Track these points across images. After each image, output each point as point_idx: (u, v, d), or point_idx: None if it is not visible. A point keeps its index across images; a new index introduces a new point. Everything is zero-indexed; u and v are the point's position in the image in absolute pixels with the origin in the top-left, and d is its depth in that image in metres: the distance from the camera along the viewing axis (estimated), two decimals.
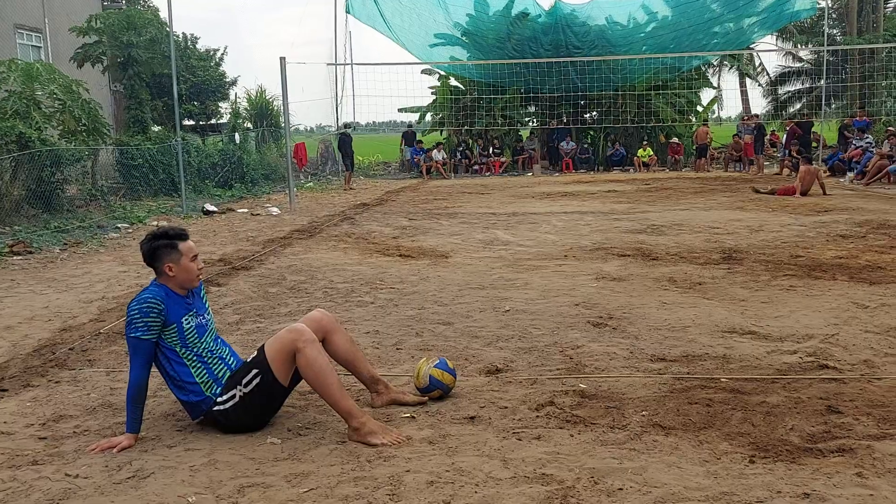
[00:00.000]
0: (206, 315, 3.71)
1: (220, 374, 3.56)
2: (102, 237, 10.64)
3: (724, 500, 2.78)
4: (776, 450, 3.19)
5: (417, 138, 25.93)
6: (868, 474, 2.96)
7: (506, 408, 3.78)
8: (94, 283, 7.37)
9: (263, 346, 3.56)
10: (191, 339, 3.55)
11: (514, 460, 3.16)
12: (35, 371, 4.56)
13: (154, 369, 3.55)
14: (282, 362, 3.47)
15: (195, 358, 3.54)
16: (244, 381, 3.48)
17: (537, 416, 3.66)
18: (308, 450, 3.34)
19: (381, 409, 3.78)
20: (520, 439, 3.39)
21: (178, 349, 3.52)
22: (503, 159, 24.83)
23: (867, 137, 18.93)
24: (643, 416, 3.63)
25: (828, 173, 18.93)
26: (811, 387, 3.96)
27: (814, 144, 23.09)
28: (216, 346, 3.66)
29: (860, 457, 3.11)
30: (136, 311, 3.45)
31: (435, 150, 24.24)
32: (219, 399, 3.50)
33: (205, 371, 3.54)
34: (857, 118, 20.99)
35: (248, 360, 3.59)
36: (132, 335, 3.45)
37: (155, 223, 12.19)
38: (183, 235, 3.64)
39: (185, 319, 3.55)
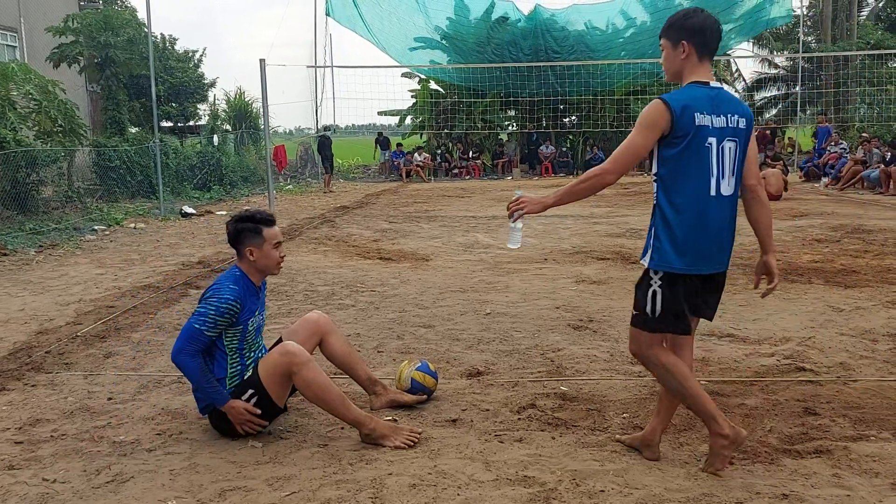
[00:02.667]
0: (264, 313, 3.71)
1: (247, 374, 3.55)
2: (79, 239, 10.52)
3: (705, 502, 2.81)
4: (755, 451, 3.23)
5: (398, 141, 25.99)
6: (845, 475, 3.00)
7: (487, 410, 3.79)
8: (70, 286, 7.28)
9: (257, 364, 3.53)
10: (248, 341, 3.56)
11: (496, 462, 3.17)
12: (11, 374, 4.50)
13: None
14: (277, 384, 3.45)
15: (238, 355, 3.53)
16: (244, 398, 3.46)
17: (519, 419, 3.67)
18: (290, 453, 3.32)
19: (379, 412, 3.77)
20: (501, 442, 3.40)
21: (232, 346, 3.50)
22: (481, 161, 24.90)
23: (842, 143, 19.21)
24: (624, 418, 3.66)
25: (803, 178, 19.21)
26: (788, 389, 4.01)
27: (789, 150, 23.40)
28: (259, 344, 3.67)
29: (837, 457, 3.16)
30: (214, 309, 3.38)
31: (416, 154, 24.28)
32: None
33: (238, 367, 3.52)
34: (820, 125, 21.29)
35: (245, 375, 3.54)
36: (197, 326, 3.37)
37: (132, 225, 12.08)
38: (269, 221, 3.60)
39: (252, 321, 3.54)
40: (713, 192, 2.90)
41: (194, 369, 3.36)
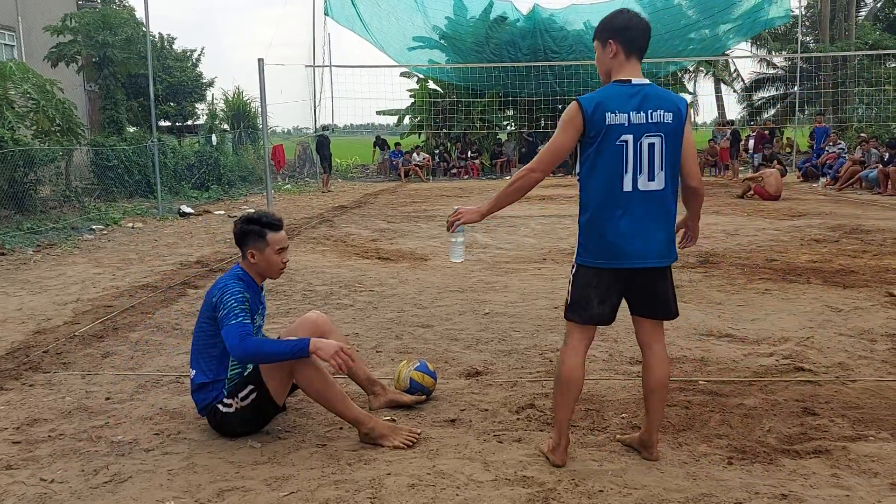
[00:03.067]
0: (264, 315, 3.71)
1: (247, 371, 3.53)
2: (76, 238, 10.50)
3: (704, 502, 2.80)
4: (754, 451, 3.23)
5: (396, 141, 26.02)
6: (843, 475, 3.00)
7: (486, 410, 3.78)
8: (68, 285, 7.27)
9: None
10: None
11: (495, 463, 3.16)
12: (8, 374, 4.49)
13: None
14: (278, 379, 3.43)
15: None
16: (240, 395, 3.43)
17: (518, 419, 3.67)
18: (288, 453, 3.32)
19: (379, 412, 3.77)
20: (500, 442, 3.39)
21: None
22: (479, 161, 24.90)
23: (840, 143, 19.23)
24: (623, 418, 3.65)
25: (801, 178, 19.22)
26: (787, 389, 4.01)
27: (787, 150, 23.42)
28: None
29: (836, 457, 3.16)
30: (234, 301, 3.35)
31: (415, 153, 24.29)
32: (224, 400, 3.46)
33: (239, 368, 3.51)
34: (818, 125, 21.33)
35: (245, 373, 3.52)
36: (234, 321, 3.30)
37: (130, 225, 12.06)
38: (274, 225, 3.59)
39: (254, 319, 3.52)
40: (628, 188, 2.95)
41: (261, 344, 3.31)
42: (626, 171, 2.94)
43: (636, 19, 3.05)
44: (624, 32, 3.02)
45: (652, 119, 2.93)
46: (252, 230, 3.54)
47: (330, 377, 3.45)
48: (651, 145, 2.94)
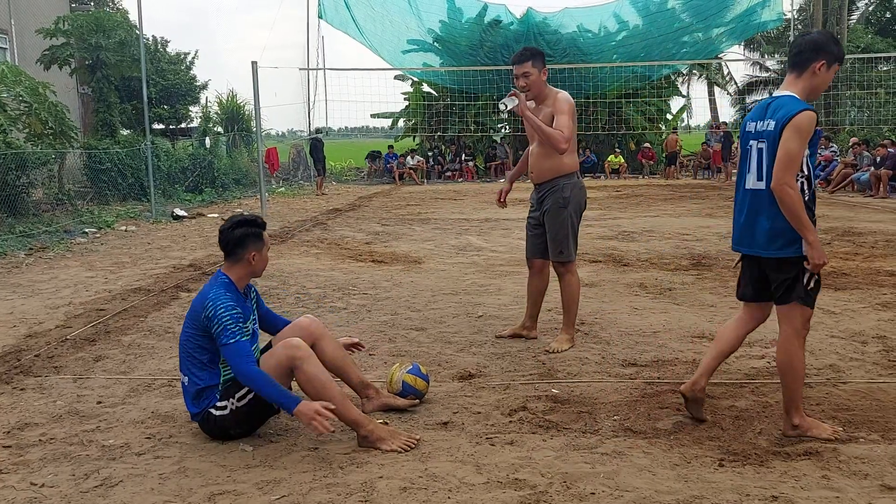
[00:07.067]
0: (256, 319, 3.69)
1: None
2: (69, 242, 10.47)
3: None
4: (745, 453, 3.24)
5: (389, 143, 26.02)
6: (834, 476, 3.01)
7: (479, 413, 3.78)
8: (60, 289, 7.24)
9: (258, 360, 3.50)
10: None
11: (488, 465, 3.16)
12: None
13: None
14: (277, 378, 3.40)
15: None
16: (237, 396, 3.42)
17: (510, 422, 3.67)
18: (280, 456, 3.31)
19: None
20: (493, 444, 3.39)
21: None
22: (474, 164, 24.92)
23: (832, 147, 19.32)
24: (615, 420, 3.66)
25: None
26: (779, 391, 4.00)
27: None
28: (255, 352, 3.60)
29: (826, 459, 3.17)
30: (229, 318, 3.34)
31: (409, 156, 24.29)
32: (218, 404, 3.45)
33: (232, 374, 3.47)
34: None
35: None
36: (233, 341, 3.31)
37: (123, 228, 12.03)
38: (264, 224, 3.63)
39: (247, 326, 3.49)
40: (749, 186, 3.45)
41: (264, 377, 3.29)
42: (749, 171, 3.43)
43: (799, 37, 3.47)
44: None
45: (763, 126, 3.36)
46: (253, 233, 3.55)
47: (330, 378, 3.44)
48: (760, 150, 3.38)
